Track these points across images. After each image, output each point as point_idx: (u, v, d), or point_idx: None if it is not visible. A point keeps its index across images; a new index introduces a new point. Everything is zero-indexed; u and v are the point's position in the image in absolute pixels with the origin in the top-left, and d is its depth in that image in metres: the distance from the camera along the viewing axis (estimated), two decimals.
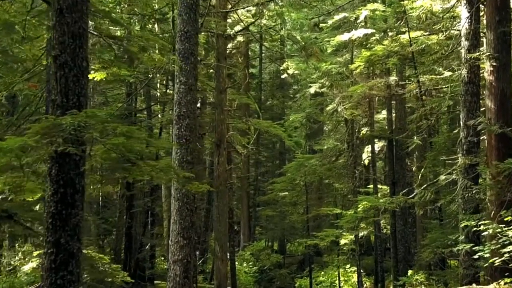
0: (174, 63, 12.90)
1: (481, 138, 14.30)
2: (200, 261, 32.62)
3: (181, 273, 13.92)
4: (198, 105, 30.35)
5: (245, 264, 36.18)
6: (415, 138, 20.21)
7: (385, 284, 29.06)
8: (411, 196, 13.87)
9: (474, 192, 12.70)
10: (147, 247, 27.07)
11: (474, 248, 10.52)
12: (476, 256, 10.39)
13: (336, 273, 30.41)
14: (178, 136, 14.23)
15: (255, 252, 37.93)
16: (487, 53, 13.20)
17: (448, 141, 17.97)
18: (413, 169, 27.82)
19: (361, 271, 31.18)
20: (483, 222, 9.77)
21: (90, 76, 10.97)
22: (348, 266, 32.62)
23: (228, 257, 25.87)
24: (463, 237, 12.30)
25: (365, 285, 33.78)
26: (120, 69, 10.04)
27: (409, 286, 19.67)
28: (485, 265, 10.60)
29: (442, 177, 13.40)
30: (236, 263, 35.92)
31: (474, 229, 10.24)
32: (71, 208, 6.98)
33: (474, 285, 8.90)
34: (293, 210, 37.38)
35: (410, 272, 29.75)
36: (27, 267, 18.79)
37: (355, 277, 29.13)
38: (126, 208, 26.42)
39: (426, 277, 32.95)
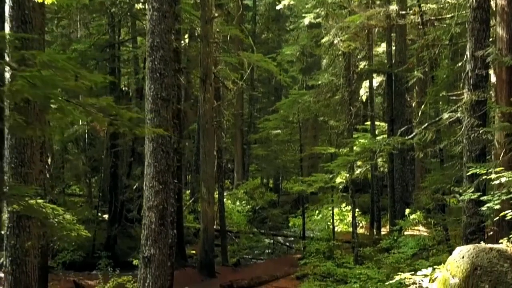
0: None
1: (490, 71, 12.77)
2: (191, 200, 31.65)
3: (157, 220, 12.71)
4: (187, 40, 28.71)
5: (238, 203, 35.20)
6: (415, 71, 18.69)
7: (382, 223, 28.15)
8: (410, 136, 12.47)
9: (481, 132, 11.28)
10: (135, 187, 25.88)
11: (482, 198, 9.22)
12: (484, 208, 9.11)
13: (331, 212, 29.35)
14: (152, 69, 12.77)
15: (249, 190, 36.89)
16: None
17: (452, 74, 16.43)
18: (413, 105, 26.58)
19: (357, 209, 30.24)
20: (494, 169, 8.45)
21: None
22: (343, 205, 31.67)
23: (218, 197, 24.77)
24: (469, 185, 11.02)
25: (360, 225, 32.97)
26: None
27: (406, 228, 18.55)
28: (494, 218, 9.34)
29: (445, 115, 11.93)
30: (229, 201, 35.00)
31: (484, 177, 8.94)
32: None
33: (482, 242, 7.62)
34: (288, 147, 36.18)
35: (407, 211, 28.85)
36: None
37: (350, 216, 28.06)
38: (109, 146, 25.05)
39: (424, 217, 32.12)
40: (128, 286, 13.78)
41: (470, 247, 7.32)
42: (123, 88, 28.90)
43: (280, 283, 20.08)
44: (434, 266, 8.00)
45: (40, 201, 8.29)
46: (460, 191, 10.20)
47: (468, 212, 11.22)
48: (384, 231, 28.05)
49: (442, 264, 7.96)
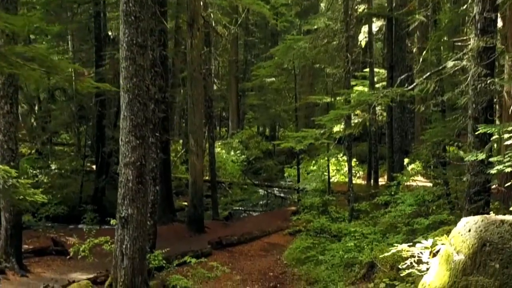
0: None
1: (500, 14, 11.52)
2: (183, 151, 30.74)
3: (134, 177, 11.69)
4: None
5: (232, 153, 34.31)
6: (417, 15, 17.41)
7: (379, 173, 27.30)
8: (410, 87, 11.31)
9: (488, 82, 10.12)
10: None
11: (491, 159, 8.13)
12: (493, 171, 8.02)
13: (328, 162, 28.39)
14: (126, 12, 11.50)
15: (244, 139, 35.92)
16: None
17: (456, 18, 15.15)
18: (414, 51, 25.45)
19: (354, 159, 29.39)
20: (507, 128, 7.35)
21: None
22: (341, 155, 30.78)
23: (208, 149, 23.80)
24: (474, 140, 9.98)
25: (358, 175, 32.18)
26: None
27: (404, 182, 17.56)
28: (502, 178, 8.30)
29: (450, 63, 10.73)
30: (223, 151, 34.12)
31: (495, 137, 7.84)
32: None
33: (492, 213, 6.58)
34: (284, 95, 34.98)
35: (406, 160, 27.94)
36: None
37: (347, 167, 27.18)
38: (95, 94, 23.79)
39: (423, 167, 31.26)
40: (105, 247, 12.83)
41: (477, 218, 6.30)
42: (110, 34, 27.47)
43: (271, 238, 19.26)
44: (436, 238, 7.02)
45: None
46: (468, 157, 9.05)
47: (472, 170, 10.15)
48: (382, 181, 27.25)
49: (445, 235, 6.99)
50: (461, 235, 6.30)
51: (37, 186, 23.93)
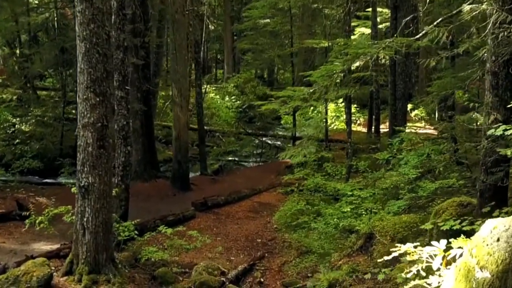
0: None
1: None
2: (168, 104, 29.00)
3: (95, 141, 10.09)
4: None
5: (227, 98, 32.55)
6: None
7: (381, 120, 25.72)
8: (417, 36, 9.50)
9: None
10: None
11: None
12: None
13: (328, 108, 26.73)
14: None
15: (240, 84, 34.05)
16: None
17: None
18: None
19: (355, 105, 27.85)
20: None
21: None
22: (340, 100, 29.05)
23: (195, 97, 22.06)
24: (491, 99, 8.29)
25: (358, 122, 30.71)
26: None
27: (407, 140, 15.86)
28: None
29: (466, 7, 8.93)
30: (217, 96, 32.41)
31: None
32: None
33: None
34: (282, 37, 32.90)
35: (409, 106, 26.21)
36: None
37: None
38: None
39: (427, 113, 29.57)
40: (66, 218, 11.27)
41: (509, 223, 4.67)
42: None
43: (262, 197, 17.72)
44: (450, 239, 5.39)
45: None
46: (491, 131, 7.29)
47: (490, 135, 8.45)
48: (383, 127, 25.70)
49: (463, 237, 5.38)
50: (487, 245, 4.67)
51: (14, 136, 22.50)
